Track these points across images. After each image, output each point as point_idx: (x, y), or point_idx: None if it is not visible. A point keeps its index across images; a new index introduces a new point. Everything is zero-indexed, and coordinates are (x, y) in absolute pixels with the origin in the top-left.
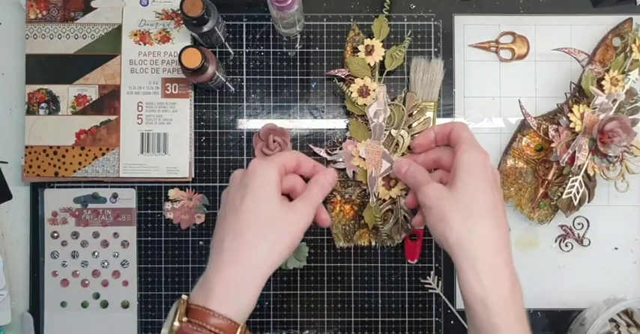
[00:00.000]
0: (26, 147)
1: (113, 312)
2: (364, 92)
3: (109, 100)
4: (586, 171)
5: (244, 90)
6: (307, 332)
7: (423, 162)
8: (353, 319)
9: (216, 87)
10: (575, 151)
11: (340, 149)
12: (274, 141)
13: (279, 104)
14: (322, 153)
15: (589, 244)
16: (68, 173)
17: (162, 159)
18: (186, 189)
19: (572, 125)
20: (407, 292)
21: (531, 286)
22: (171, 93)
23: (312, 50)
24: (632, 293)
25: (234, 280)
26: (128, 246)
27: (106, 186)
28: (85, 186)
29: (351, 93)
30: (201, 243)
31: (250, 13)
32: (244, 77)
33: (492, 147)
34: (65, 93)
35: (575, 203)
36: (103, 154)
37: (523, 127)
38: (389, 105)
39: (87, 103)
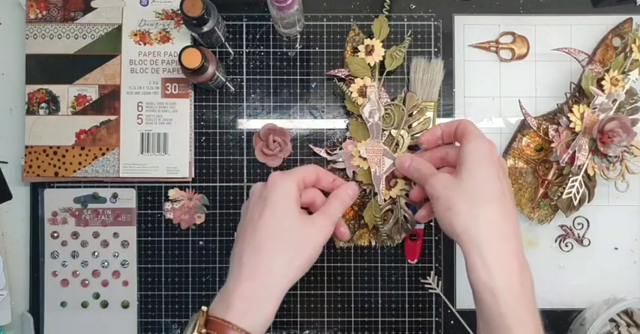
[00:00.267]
0: (26, 147)
1: (113, 312)
2: (364, 92)
3: (109, 100)
4: (586, 171)
5: (244, 90)
6: (307, 332)
7: (428, 159)
8: (353, 319)
9: (216, 87)
10: (575, 151)
11: (340, 149)
12: (274, 141)
13: (279, 104)
14: (322, 153)
15: (589, 244)
16: (68, 173)
17: (162, 159)
18: (186, 189)
19: (572, 125)
20: (407, 292)
21: None
22: (171, 93)
23: (312, 50)
24: (632, 293)
25: (254, 294)
26: (128, 246)
27: (106, 186)
28: (85, 186)
29: (351, 93)
30: (201, 243)
31: (250, 13)
32: (244, 77)
33: None
34: (65, 93)
35: (575, 203)
36: (103, 154)
37: (523, 127)
38: (389, 105)
39: (87, 103)
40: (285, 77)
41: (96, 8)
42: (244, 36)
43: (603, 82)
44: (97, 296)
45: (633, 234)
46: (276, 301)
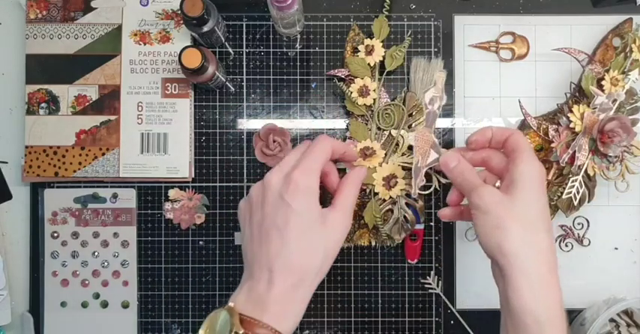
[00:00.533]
0: (26, 147)
1: (113, 312)
2: (364, 92)
3: (109, 100)
4: (586, 171)
5: (244, 90)
6: (307, 332)
7: (470, 159)
8: (353, 319)
9: (216, 87)
10: (575, 151)
11: None
12: (274, 141)
13: (279, 104)
14: None
15: (589, 244)
16: (68, 173)
17: (162, 159)
18: (186, 189)
19: (572, 125)
20: (407, 292)
21: None
22: (171, 93)
23: (312, 50)
24: (632, 293)
25: (289, 300)
26: (128, 246)
27: (106, 186)
28: (85, 186)
29: (351, 93)
30: (201, 243)
31: (250, 13)
32: (244, 77)
33: None
34: (65, 93)
35: (575, 203)
36: (103, 154)
37: (523, 127)
38: (389, 105)
39: (87, 103)
40: (285, 77)
41: (96, 8)
42: (244, 36)
43: (603, 82)
44: (97, 296)
45: (633, 234)
46: (306, 304)
